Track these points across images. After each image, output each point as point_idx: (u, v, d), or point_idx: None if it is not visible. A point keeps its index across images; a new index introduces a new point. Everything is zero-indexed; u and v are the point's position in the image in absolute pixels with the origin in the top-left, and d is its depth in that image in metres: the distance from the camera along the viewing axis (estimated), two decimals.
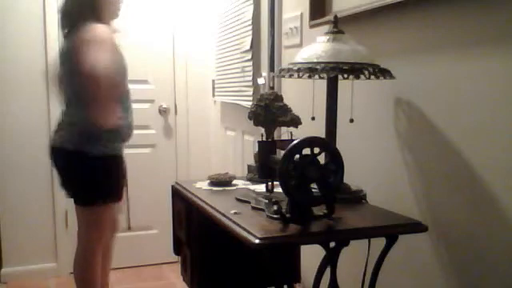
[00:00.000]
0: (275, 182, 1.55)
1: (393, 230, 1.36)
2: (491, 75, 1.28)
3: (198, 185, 1.84)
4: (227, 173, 1.92)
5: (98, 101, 1.99)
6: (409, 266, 1.59)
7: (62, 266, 3.25)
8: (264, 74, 2.53)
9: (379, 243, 1.39)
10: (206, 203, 1.58)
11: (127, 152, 2.31)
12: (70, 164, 2.14)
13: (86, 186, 2.14)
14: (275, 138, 1.74)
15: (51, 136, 2.22)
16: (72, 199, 2.23)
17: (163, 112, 3.43)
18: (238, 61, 2.81)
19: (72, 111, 2.13)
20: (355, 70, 1.41)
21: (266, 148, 1.53)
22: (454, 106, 1.39)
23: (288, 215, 1.32)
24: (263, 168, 1.54)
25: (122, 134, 2.18)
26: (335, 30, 1.52)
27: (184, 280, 1.92)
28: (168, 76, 3.41)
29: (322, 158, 1.33)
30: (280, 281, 2.02)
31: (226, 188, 1.80)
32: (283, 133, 1.89)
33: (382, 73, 1.45)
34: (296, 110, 1.74)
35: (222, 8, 3.10)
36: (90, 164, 2.10)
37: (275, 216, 1.34)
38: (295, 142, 1.30)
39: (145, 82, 3.21)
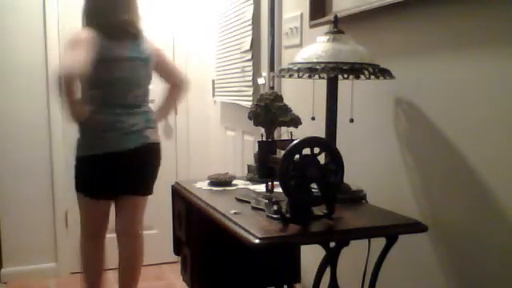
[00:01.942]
0: (275, 182, 1.55)
1: (393, 230, 1.36)
2: (491, 75, 1.28)
3: (198, 185, 1.84)
4: (227, 173, 1.92)
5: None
6: (409, 265, 1.59)
7: (61, 266, 3.25)
8: (264, 74, 2.52)
9: (379, 243, 1.39)
10: (206, 203, 1.58)
11: None
12: (158, 156, 2.45)
13: (157, 174, 2.46)
14: (275, 137, 1.74)
15: (131, 136, 2.29)
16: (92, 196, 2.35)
17: None
18: (238, 61, 2.81)
19: (144, 110, 2.38)
20: (355, 70, 1.41)
21: (266, 148, 1.53)
22: (454, 106, 1.39)
23: (288, 215, 1.32)
24: (263, 168, 1.53)
25: None
26: (335, 30, 1.52)
27: (184, 280, 1.92)
28: None
29: (322, 158, 1.33)
30: (280, 281, 2.03)
31: (226, 188, 1.80)
32: (283, 133, 1.89)
33: (382, 73, 1.45)
34: (296, 110, 1.74)
35: (222, 8, 3.10)
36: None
37: (275, 216, 1.34)
38: (295, 141, 1.30)
39: None
